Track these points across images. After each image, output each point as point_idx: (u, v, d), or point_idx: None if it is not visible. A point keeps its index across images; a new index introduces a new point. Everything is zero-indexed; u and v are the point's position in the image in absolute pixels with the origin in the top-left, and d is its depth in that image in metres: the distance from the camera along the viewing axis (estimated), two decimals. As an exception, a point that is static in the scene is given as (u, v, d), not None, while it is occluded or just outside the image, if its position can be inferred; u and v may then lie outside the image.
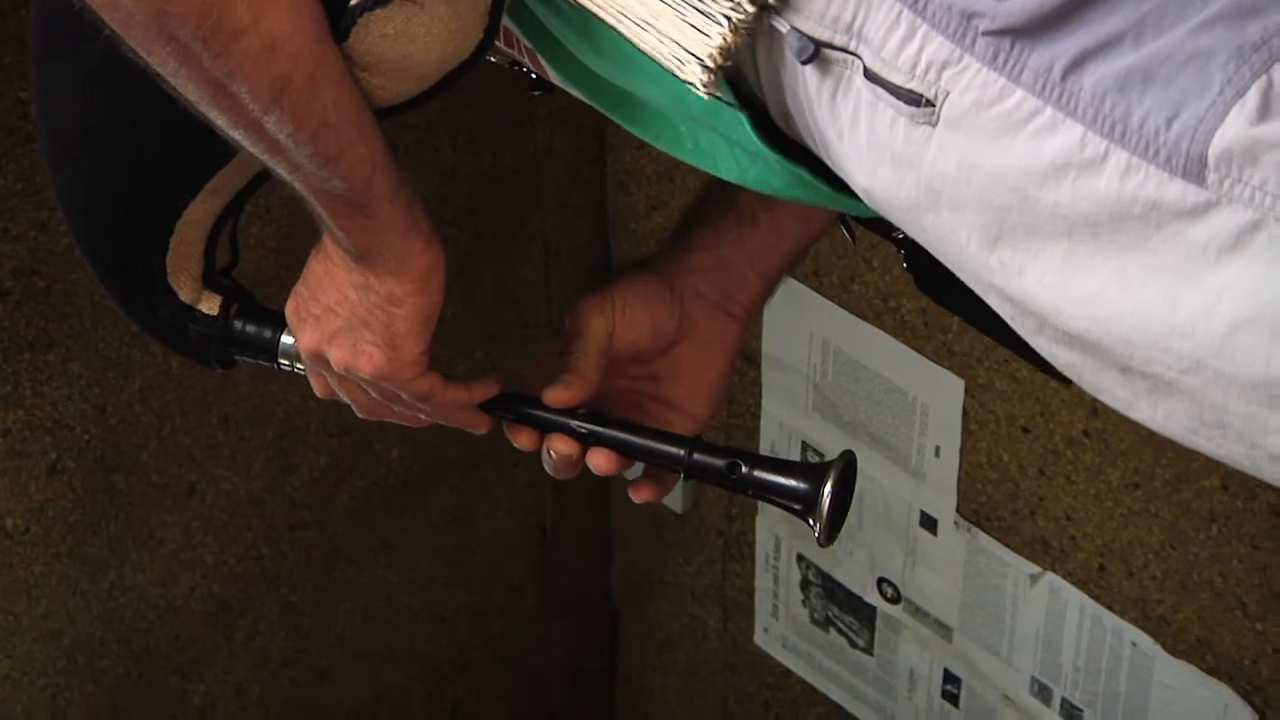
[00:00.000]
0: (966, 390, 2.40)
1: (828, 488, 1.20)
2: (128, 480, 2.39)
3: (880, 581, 2.71)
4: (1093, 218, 0.86)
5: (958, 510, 2.51)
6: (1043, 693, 2.53)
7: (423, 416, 1.31)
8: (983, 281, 0.93)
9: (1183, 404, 0.90)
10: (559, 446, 1.28)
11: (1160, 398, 0.92)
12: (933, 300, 1.40)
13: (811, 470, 1.22)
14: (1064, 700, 2.51)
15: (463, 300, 2.36)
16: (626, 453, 1.28)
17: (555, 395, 1.28)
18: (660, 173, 2.69)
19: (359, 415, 1.35)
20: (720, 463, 1.25)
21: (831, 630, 2.85)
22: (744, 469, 1.24)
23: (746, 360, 2.69)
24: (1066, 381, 1.00)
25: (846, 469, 1.22)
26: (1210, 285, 0.85)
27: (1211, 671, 2.27)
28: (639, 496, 1.34)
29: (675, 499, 2.99)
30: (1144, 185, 0.85)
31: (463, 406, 1.30)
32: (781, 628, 2.94)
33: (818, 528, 1.21)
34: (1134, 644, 2.35)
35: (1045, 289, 0.90)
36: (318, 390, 1.35)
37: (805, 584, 2.85)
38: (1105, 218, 0.86)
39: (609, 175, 2.80)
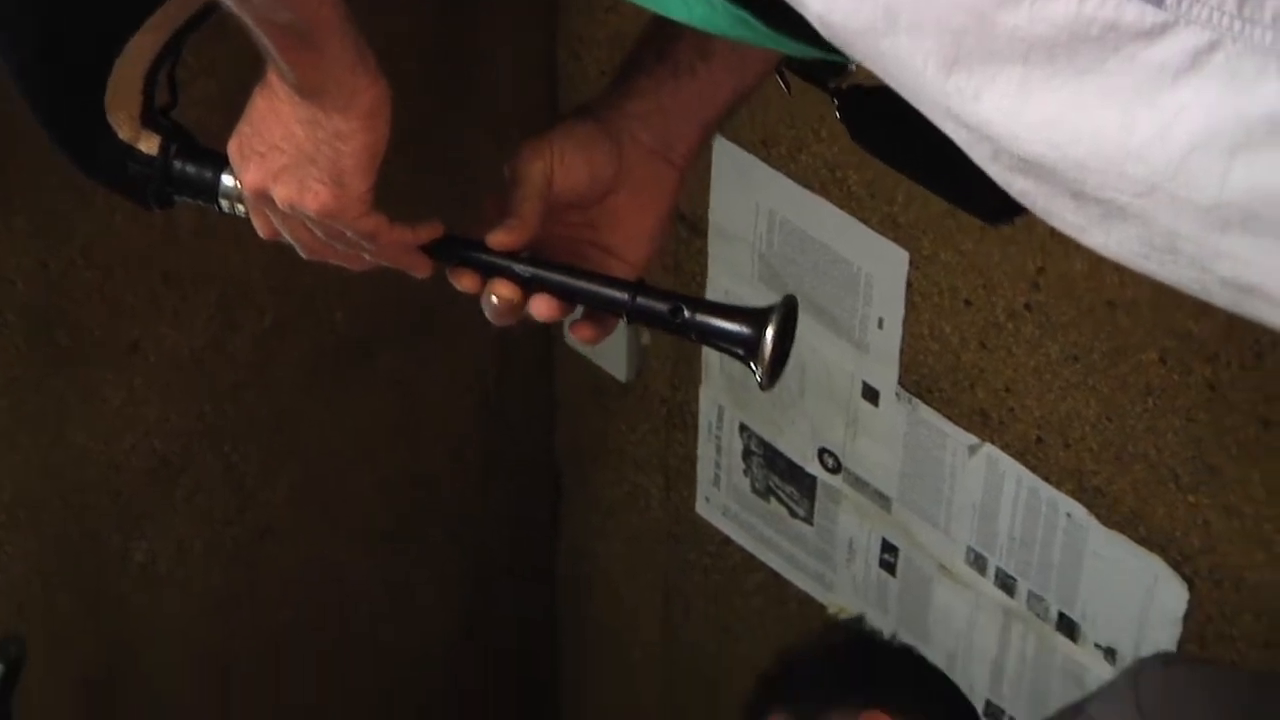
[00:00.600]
0: (911, 262, 2.41)
1: (770, 331, 1.20)
2: (69, 336, 2.38)
3: (821, 452, 2.73)
4: (1050, 40, 0.86)
5: (899, 382, 2.53)
6: (978, 562, 2.57)
7: (366, 257, 1.31)
8: (939, 107, 0.93)
9: (1135, 229, 0.90)
10: (501, 290, 1.28)
11: (1113, 223, 0.91)
12: (867, 151, 1.39)
13: (754, 315, 1.22)
14: (999, 570, 2.54)
15: (413, 168, 2.35)
16: (569, 296, 1.28)
17: (498, 238, 1.28)
18: (611, 38, 2.68)
19: (303, 255, 1.34)
20: (663, 306, 1.25)
21: (772, 499, 2.87)
22: (686, 313, 1.24)
23: (693, 230, 2.70)
24: (1003, 223, 1.00)
25: (788, 314, 1.22)
26: (1166, 107, 0.84)
27: (1143, 542, 2.30)
28: (579, 335, 1.34)
29: (619, 366, 3.00)
30: (1102, 7, 0.84)
31: (406, 248, 1.30)
32: (723, 496, 2.97)
33: (759, 371, 1.22)
34: (1069, 515, 2.38)
35: (1001, 113, 0.90)
36: (261, 231, 1.35)
37: (747, 453, 2.87)
38: (1063, 40, 0.86)
39: (560, 42, 2.78)
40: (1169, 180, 0.86)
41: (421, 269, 1.32)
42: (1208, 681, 2.02)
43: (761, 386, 1.24)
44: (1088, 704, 2.10)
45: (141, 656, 2.78)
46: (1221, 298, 0.91)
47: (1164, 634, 2.32)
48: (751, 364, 1.22)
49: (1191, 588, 2.26)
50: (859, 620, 2.31)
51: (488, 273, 1.29)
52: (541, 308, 1.28)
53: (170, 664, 2.83)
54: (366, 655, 3.13)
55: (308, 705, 3.07)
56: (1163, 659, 2.04)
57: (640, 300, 1.26)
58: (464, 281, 1.31)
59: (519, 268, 1.28)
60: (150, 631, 2.77)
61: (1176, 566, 2.27)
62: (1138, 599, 2.34)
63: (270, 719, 3.03)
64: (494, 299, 1.29)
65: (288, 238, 1.33)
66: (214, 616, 2.84)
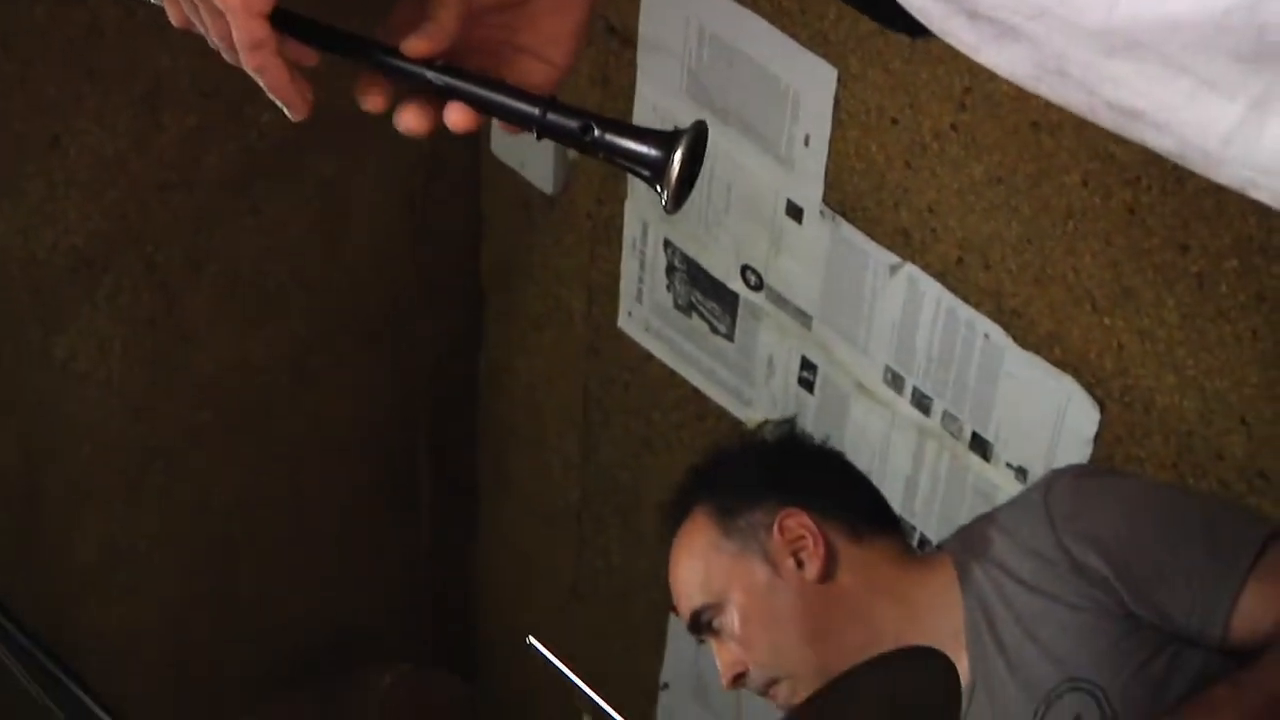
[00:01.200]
0: (839, 79, 2.41)
1: (678, 154, 1.20)
2: (-11, 128, 2.36)
3: (744, 269, 2.75)
4: None
5: (824, 200, 2.54)
6: (895, 382, 2.60)
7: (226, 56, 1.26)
8: None
9: (1026, 49, 0.92)
10: (407, 119, 1.24)
11: (1006, 43, 0.93)
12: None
13: (663, 137, 1.22)
14: (915, 389, 2.57)
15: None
16: (481, 107, 1.26)
17: (413, 45, 1.24)
18: None
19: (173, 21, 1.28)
20: (574, 123, 1.24)
21: (694, 315, 2.89)
22: (596, 131, 1.23)
23: (623, 42, 2.68)
24: (923, 35, 1.01)
25: (698, 139, 1.22)
26: None
27: (1059, 364, 2.33)
28: (406, 120, 1.29)
29: (546, 180, 3.00)
30: None
31: (282, 69, 1.25)
32: (645, 312, 2.98)
33: (665, 195, 1.22)
34: (986, 335, 2.41)
35: None
36: (174, 19, 1.32)
37: (670, 269, 2.88)
38: None
39: None
40: (1059, 4, 0.87)
41: (299, 108, 1.26)
42: (1117, 491, 2.06)
43: (666, 210, 1.24)
44: (999, 513, 2.14)
45: (60, 452, 2.79)
46: (1108, 120, 0.93)
47: (1074, 454, 2.36)
48: (657, 186, 1.23)
49: (1103, 409, 2.30)
50: (790, 422, 2.33)
51: (400, 78, 1.26)
52: (456, 119, 1.26)
53: (89, 460, 2.83)
54: (285, 458, 3.15)
55: (225, 503, 3.09)
56: (1073, 470, 2.08)
57: (551, 116, 1.24)
58: (371, 100, 1.27)
59: (432, 75, 1.25)
60: (70, 428, 2.77)
61: (1089, 388, 2.31)
62: (1050, 420, 2.38)
63: (189, 517, 3.05)
64: (404, 117, 1.25)
65: (198, 27, 1.28)
66: (134, 415, 2.85)
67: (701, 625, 2.06)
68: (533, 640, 1.81)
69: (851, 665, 1.92)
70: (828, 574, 2.07)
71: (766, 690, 2.04)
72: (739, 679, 2.03)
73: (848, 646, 2.01)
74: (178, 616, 3.12)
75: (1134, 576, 1.92)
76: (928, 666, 1.59)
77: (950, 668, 1.59)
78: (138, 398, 2.83)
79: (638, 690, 3.41)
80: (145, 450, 2.91)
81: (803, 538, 2.07)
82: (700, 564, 2.09)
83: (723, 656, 2.05)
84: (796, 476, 2.14)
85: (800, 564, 2.06)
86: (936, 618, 2.05)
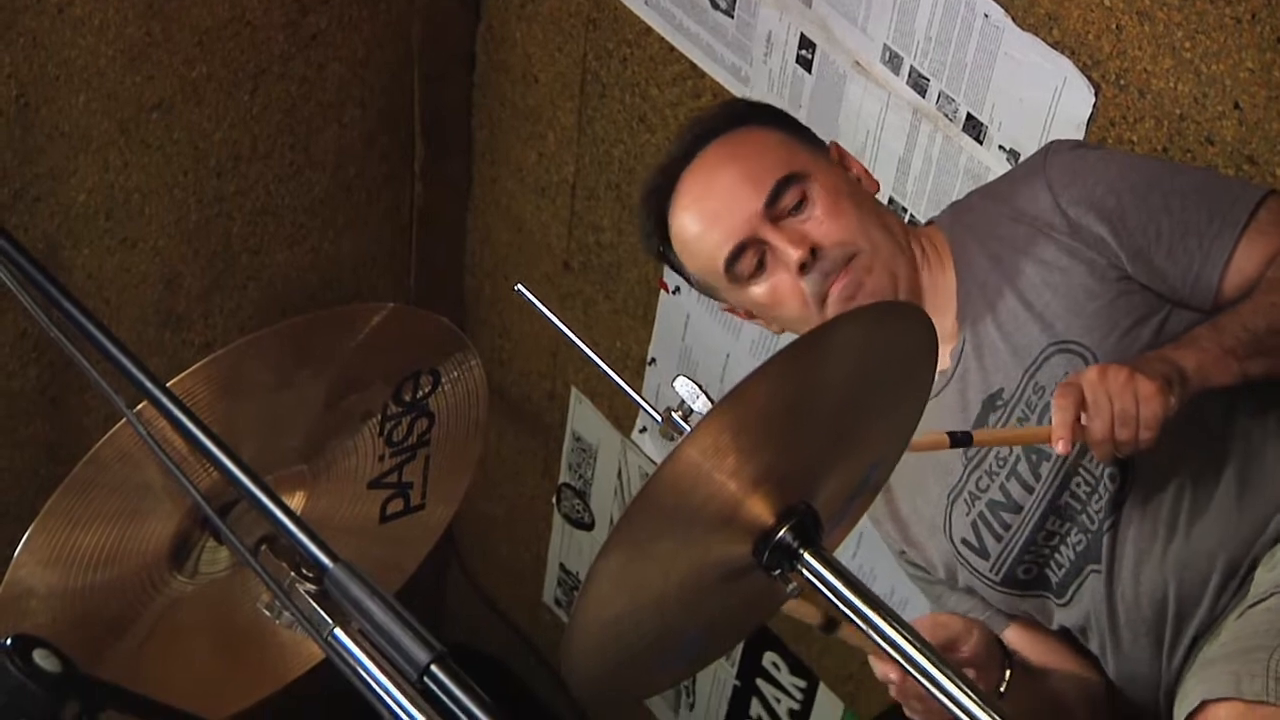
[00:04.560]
0: None
1: None
2: None
3: (748, -58, 2.72)
4: None
5: None
6: (893, 61, 2.59)
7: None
8: None
9: None
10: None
11: None
12: None
13: None
14: (913, 69, 2.56)
15: None
16: None
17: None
18: None
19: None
20: None
21: (695, -12, 2.87)
22: None
23: None
24: None
25: None
26: None
27: (1056, 45, 2.32)
28: None
29: None
30: None
31: None
32: None
33: None
34: (986, 15, 2.40)
35: None
36: None
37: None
38: None
39: None
40: None
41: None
42: (1115, 159, 2.08)
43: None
44: (992, 185, 2.17)
45: (56, 98, 2.79)
46: None
47: (1067, 137, 2.36)
48: None
49: (1098, 92, 2.30)
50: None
51: None
52: None
53: (84, 108, 2.84)
54: (280, 114, 3.15)
55: (220, 158, 3.10)
56: (1071, 142, 2.10)
57: None
58: None
59: None
60: (67, 74, 2.77)
61: (1085, 70, 2.30)
62: (1044, 102, 2.38)
63: (183, 170, 3.06)
64: None
65: None
66: (131, 65, 2.84)
67: (781, 199, 2.02)
68: (521, 288, 1.84)
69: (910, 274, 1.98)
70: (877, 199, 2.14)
71: (836, 270, 2.02)
72: (815, 251, 2.01)
73: (907, 251, 2.06)
74: (172, 268, 3.16)
75: (1133, 237, 1.96)
76: (907, 319, 1.63)
77: (928, 324, 1.63)
78: (135, 48, 2.81)
79: (625, 364, 3.46)
80: (141, 101, 2.91)
81: (857, 163, 2.14)
82: (775, 148, 2.08)
83: (792, 236, 2.02)
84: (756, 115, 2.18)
85: (859, 180, 2.13)
86: (935, 284, 2.08)
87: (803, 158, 2.07)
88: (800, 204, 2.04)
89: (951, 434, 1.88)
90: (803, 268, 2.01)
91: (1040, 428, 1.92)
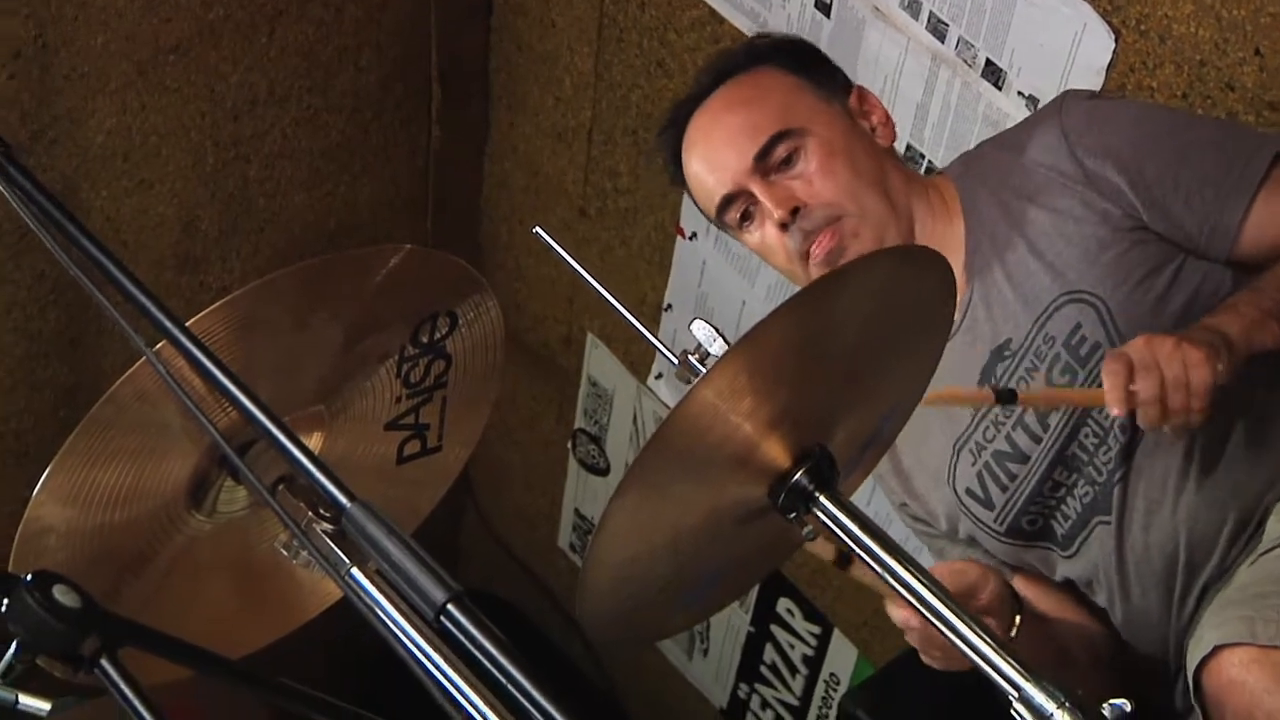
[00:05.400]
0: None
1: None
2: None
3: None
4: None
5: None
6: (912, 6, 2.58)
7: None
8: None
9: None
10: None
11: None
12: None
13: None
14: (931, 14, 2.55)
15: None
16: None
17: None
18: None
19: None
20: None
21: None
22: None
23: None
24: None
25: None
26: None
27: (1076, -9, 2.32)
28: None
29: None
30: None
31: None
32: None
33: None
34: (1006, -40, 2.39)
35: None
36: None
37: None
38: None
39: None
40: None
41: None
42: (1132, 108, 2.07)
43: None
44: (1004, 135, 2.16)
45: (75, 39, 2.79)
46: None
47: (1086, 84, 2.36)
48: None
49: (1118, 38, 2.29)
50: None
51: None
52: None
53: (102, 49, 2.83)
54: (297, 57, 3.14)
55: (236, 101, 3.10)
56: (1087, 92, 2.09)
57: None
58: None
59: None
60: (85, 15, 2.76)
61: (1105, 16, 2.29)
62: (1064, 48, 2.37)
63: (200, 113, 3.06)
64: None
65: None
66: (148, 7, 2.84)
67: (770, 155, 2.04)
68: (539, 230, 1.84)
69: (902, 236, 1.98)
70: (892, 152, 2.13)
71: (818, 230, 2.02)
72: (795, 213, 2.02)
73: (901, 214, 2.05)
74: (190, 210, 3.16)
75: (1149, 186, 1.95)
76: (927, 264, 1.63)
77: (946, 269, 1.63)
78: (152, -13, 2.82)
79: (641, 310, 3.46)
80: (159, 43, 2.90)
81: (880, 109, 2.14)
82: (779, 97, 2.09)
83: (777, 193, 2.03)
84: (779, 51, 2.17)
85: (873, 130, 2.12)
86: (942, 234, 2.08)
87: (806, 109, 2.08)
88: (791, 158, 2.05)
89: (996, 390, 1.87)
90: (784, 226, 2.03)
91: (1086, 390, 1.93)
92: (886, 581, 1.55)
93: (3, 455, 3.14)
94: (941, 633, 1.53)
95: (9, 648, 1.55)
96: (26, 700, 1.97)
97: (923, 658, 1.94)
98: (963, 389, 1.81)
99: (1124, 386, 1.77)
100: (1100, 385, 1.78)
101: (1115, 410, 1.77)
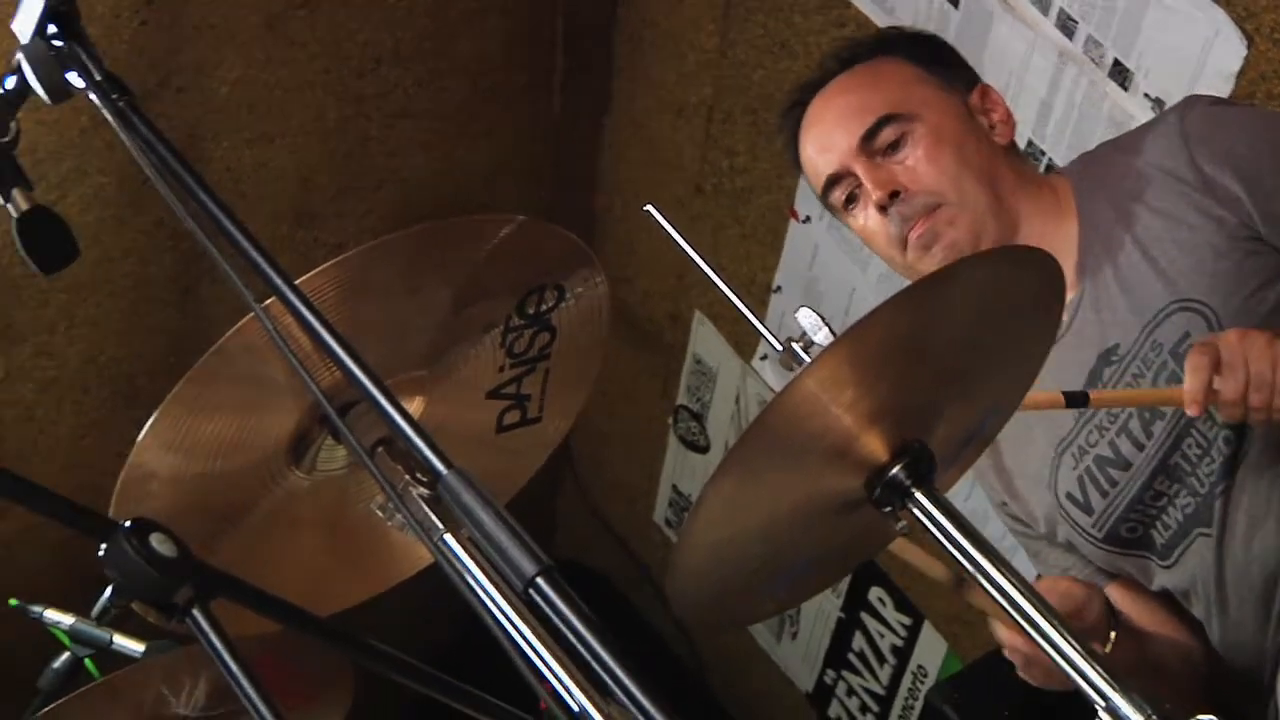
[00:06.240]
0: None
1: None
2: None
3: None
4: None
5: None
6: (1041, 2, 2.55)
7: None
8: None
9: None
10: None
11: None
12: None
13: None
14: (1061, 10, 2.53)
15: None
16: None
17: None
18: None
19: None
20: None
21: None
22: None
23: None
24: None
25: None
26: None
27: (1211, -5, 2.28)
28: None
29: None
30: None
31: None
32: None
33: None
34: (1141, -40, 2.36)
35: None
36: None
37: None
38: None
39: None
40: None
41: None
42: (1254, 116, 2.04)
43: None
44: (1124, 137, 2.13)
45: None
46: None
47: (1215, 90, 2.32)
48: None
49: (1250, 44, 2.25)
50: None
51: None
52: None
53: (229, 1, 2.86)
54: (421, 18, 3.16)
55: (358, 60, 3.11)
56: (1210, 98, 2.05)
57: None
58: None
59: None
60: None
61: (1239, 22, 2.26)
62: (1194, 52, 2.34)
63: (323, 69, 3.08)
64: None
65: None
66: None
67: (877, 137, 2.03)
68: (651, 208, 1.84)
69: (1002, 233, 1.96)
70: (1010, 149, 2.11)
71: (916, 217, 2.01)
72: (894, 197, 2.01)
73: (1006, 210, 2.04)
74: (308, 165, 3.18)
75: (1269, 198, 1.91)
76: (1038, 265, 1.61)
77: (1057, 271, 1.61)
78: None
79: (750, 290, 3.46)
80: (285, -4, 2.93)
81: (1001, 107, 2.12)
82: (895, 84, 2.09)
83: (879, 175, 2.03)
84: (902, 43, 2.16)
85: (992, 127, 2.10)
86: (1052, 234, 2.06)
87: (921, 97, 2.06)
88: (898, 143, 2.04)
89: (1067, 394, 1.85)
90: (882, 209, 2.02)
91: (1158, 390, 1.90)
92: (1002, 608, 1.53)
93: (114, 397, 3.19)
94: (1050, 656, 1.51)
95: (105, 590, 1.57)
96: (121, 641, 2.01)
97: (1020, 673, 1.92)
98: (1037, 393, 1.79)
99: (1206, 383, 1.73)
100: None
101: (1191, 411, 1.74)
